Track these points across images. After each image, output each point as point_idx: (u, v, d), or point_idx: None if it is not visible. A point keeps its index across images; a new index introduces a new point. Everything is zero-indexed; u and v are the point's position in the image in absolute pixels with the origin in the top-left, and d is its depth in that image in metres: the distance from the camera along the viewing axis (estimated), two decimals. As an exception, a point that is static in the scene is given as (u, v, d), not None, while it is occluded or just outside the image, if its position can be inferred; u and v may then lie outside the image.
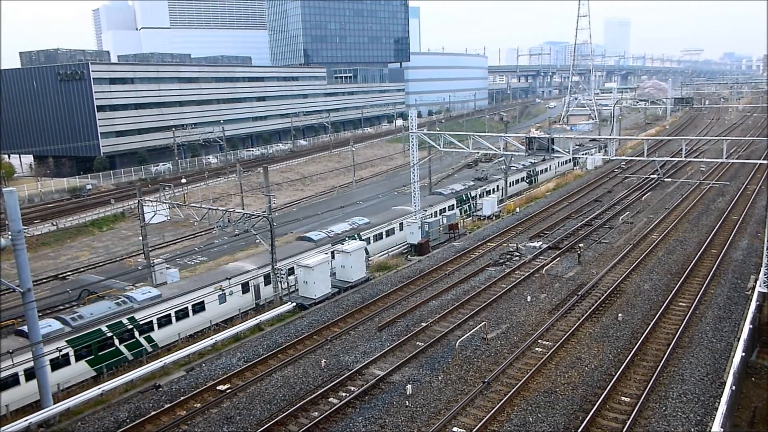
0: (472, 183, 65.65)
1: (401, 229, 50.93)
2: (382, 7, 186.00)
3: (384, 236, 50.02)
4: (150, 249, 43.86)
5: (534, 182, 79.06)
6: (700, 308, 32.29)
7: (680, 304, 33.02)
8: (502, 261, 42.65)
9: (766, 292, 30.36)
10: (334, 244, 42.22)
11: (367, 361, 27.81)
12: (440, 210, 57.23)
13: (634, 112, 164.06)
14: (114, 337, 30.72)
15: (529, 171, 79.08)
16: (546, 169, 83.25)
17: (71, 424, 24.12)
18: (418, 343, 29.79)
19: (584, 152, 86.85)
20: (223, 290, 34.84)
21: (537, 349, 28.56)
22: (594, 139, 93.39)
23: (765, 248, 31.60)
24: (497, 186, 69.44)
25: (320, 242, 43.36)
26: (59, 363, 28.39)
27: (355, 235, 45.59)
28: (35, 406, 26.07)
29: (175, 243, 59.71)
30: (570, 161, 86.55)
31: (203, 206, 42.31)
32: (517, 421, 22.78)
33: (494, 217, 57.63)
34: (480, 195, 64.08)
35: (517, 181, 75.51)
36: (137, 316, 31.82)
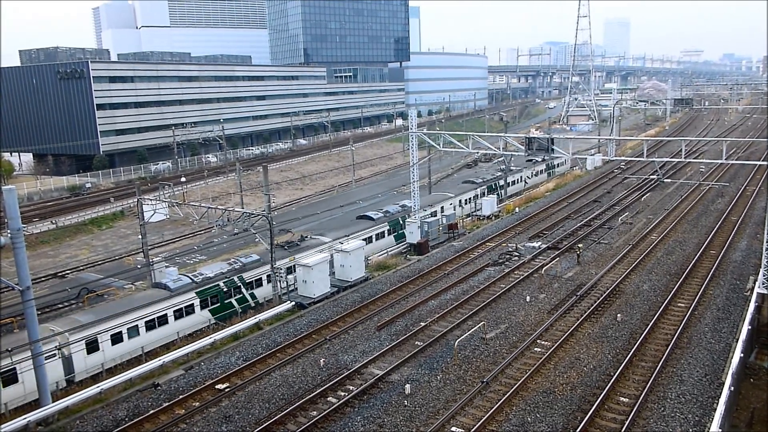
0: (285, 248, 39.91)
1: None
2: (382, 7, 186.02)
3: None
4: (149, 247, 43.82)
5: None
6: (699, 309, 32.31)
7: (679, 304, 33.04)
8: (501, 261, 42.67)
9: (765, 293, 30.34)
10: None
11: (365, 361, 27.82)
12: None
13: (634, 113, 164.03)
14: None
15: (394, 221, 48.78)
16: (454, 206, 57.55)
17: (70, 423, 24.11)
18: (417, 342, 29.81)
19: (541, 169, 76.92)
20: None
21: (536, 349, 28.57)
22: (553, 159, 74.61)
23: (764, 249, 31.59)
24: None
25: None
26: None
27: None
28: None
29: (174, 242, 59.66)
30: (496, 187, 66.38)
31: (203, 205, 42.36)
32: (515, 421, 22.79)
33: (493, 217, 57.64)
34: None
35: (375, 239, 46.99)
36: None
